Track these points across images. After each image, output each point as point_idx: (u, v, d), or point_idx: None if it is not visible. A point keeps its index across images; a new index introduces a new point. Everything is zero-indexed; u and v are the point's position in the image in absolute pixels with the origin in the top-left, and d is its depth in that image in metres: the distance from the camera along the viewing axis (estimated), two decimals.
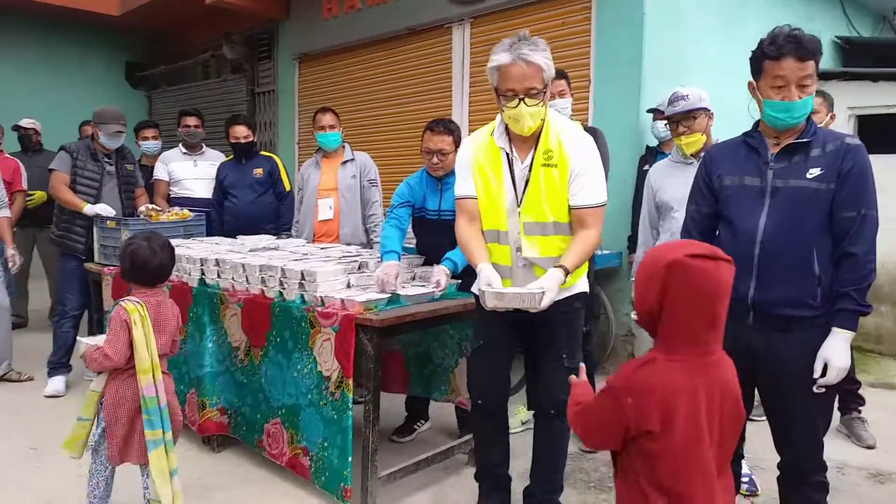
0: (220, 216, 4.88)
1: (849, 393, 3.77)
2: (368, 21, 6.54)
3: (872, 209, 2.11)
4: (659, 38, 4.70)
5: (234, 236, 4.41)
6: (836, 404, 3.68)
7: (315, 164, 4.48)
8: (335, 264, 3.23)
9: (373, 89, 6.67)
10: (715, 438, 1.55)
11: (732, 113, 3.60)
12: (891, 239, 3.93)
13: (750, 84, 2.23)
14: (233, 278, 3.35)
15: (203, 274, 3.53)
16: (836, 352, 2.07)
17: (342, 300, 2.88)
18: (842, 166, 2.11)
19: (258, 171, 4.86)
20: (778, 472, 2.30)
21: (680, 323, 1.53)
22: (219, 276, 3.44)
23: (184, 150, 5.22)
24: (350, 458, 2.79)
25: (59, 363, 4.45)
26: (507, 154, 2.50)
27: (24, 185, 5.57)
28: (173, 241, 4.07)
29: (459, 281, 3.25)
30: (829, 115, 3.79)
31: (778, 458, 2.28)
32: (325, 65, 7.25)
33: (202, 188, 5.09)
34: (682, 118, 3.04)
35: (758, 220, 2.18)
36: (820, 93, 3.81)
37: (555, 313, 2.43)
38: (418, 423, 3.82)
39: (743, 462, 2.99)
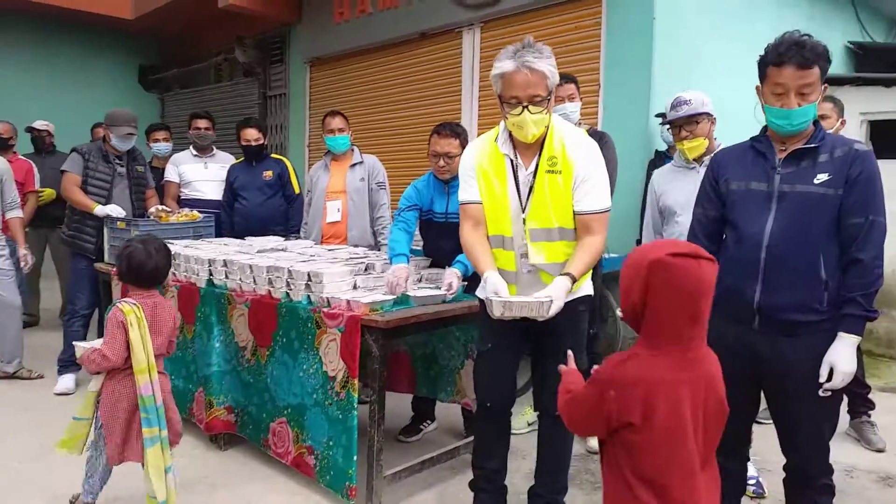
0: (230, 218, 4.92)
1: (858, 397, 3.76)
2: (379, 25, 6.57)
3: (880, 215, 2.11)
4: (669, 42, 4.69)
5: (243, 238, 4.45)
6: (845, 408, 3.68)
7: (324, 166, 4.51)
8: (342, 266, 3.25)
9: (383, 93, 6.69)
10: (700, 433, 1.59)
11: (743, 116, 3.59)
12: None
13: (757, 88, 2.23)
14: (240, 279, 3.38)
15: (211, 274, 3.56)
16: (842, 356, 2.06)
17: (348, 301, 2.90)
18: (850, 172, 2.10)
19: (268, 174, 4.89)
20: (784, 475, 2.29)
21: (663, 319, 1.57)
22: (226, 276, 3.47)
23: (194, 153, 5.27)
24: (355, 458, 2.80)
25: (70, 361, 4.48)
26: (512, 160, 2.50)
27: (37, 186, 5.64)
28: (182, 242, 4.16)
29: (466, 283, 3.26)
30: (840, 120, 3.76)
31: (784, 461, 2.27)
32: (336, 68, 7.29)
33: (212, 190, 5.13)
34: (684, 122, 3.03)
35: (764, 225, 2.17)
36: (830, 98, 3.80)
37: (560, 317, 2.42)
38: (424, 424, 3.83)
39: (750, 464, 2.98)
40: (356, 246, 4.18)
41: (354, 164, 4.43)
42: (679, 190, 3.06)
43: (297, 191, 4.97)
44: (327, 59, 7.37)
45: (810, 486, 2.19)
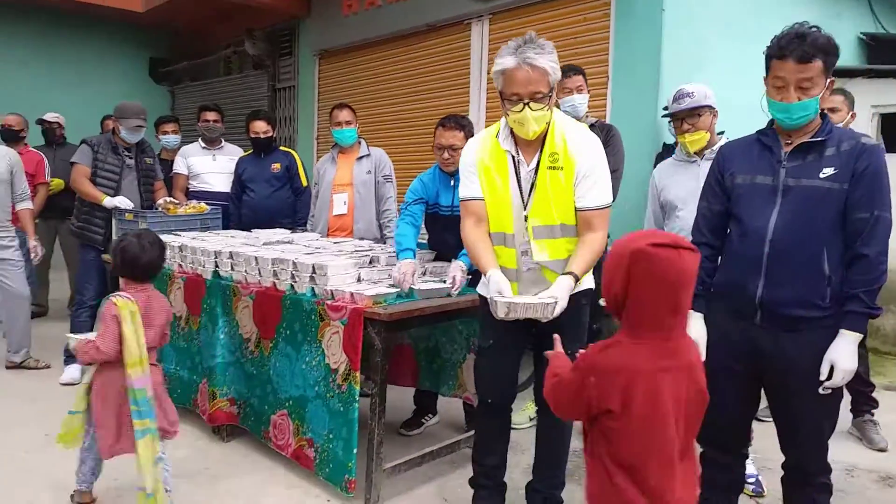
0: (238, 210, 4.94)
1: (862, 395, 3.72)
2: (388, 17, 6.55)
3: (886, 211, 2.08)
4: (678, 35, 4.65)
5: (251, 230, 4.46)
6: (848, 406, 3.65)
7: (331, 159, 4.51)
8: (346, 258, 3.25)
9: (392, 85, 6.68)
10: (682, 422, 1.61)
11: (754, 109, 3.56)
12: None
13: (764, 80, 2.21)
14: (246, 271, 3.38)
15: (217, 266, 3.57)
16: (843, 354, 2.04)
17: (352, 294, 2.90)
18: (856, 166, 2.07)
19: (276, 166, 4.90)
20: (783, 473, 2.27)
21: (644, 309, 1.59)
22: (232, 268, 3.48)
23: (203, 145, 5.29)
24: (355, 451, 2.80)
25: None
26: (514, 157, 2.47)
27: (47, 178, 5.67)
28: (189, 234, 4.17)
29: (470, 277, 3.25)
30: (850, 113, 3.72)
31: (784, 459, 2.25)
32: (344, 61, 7.29)
33: (220, 182, 5.15)
34: (686, 115, 3.00)
35: (768, 219, 2.15)
36: (841, 91, 3.76)
37: (562, 313, 2.41)
38: (426, 417, 3.84)
39: (750, 463, 2.96)
40: (362, 239, 4.18)
41: (361, 157, 4.42)
42: (680, 184, 3.03)
43: (304, 183, 4.98)
44: (336, 52, 7.36)
45: (809, 484, 2.17)
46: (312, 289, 3.08)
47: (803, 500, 2.19)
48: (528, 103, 2.31)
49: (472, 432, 3.27)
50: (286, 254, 3.33)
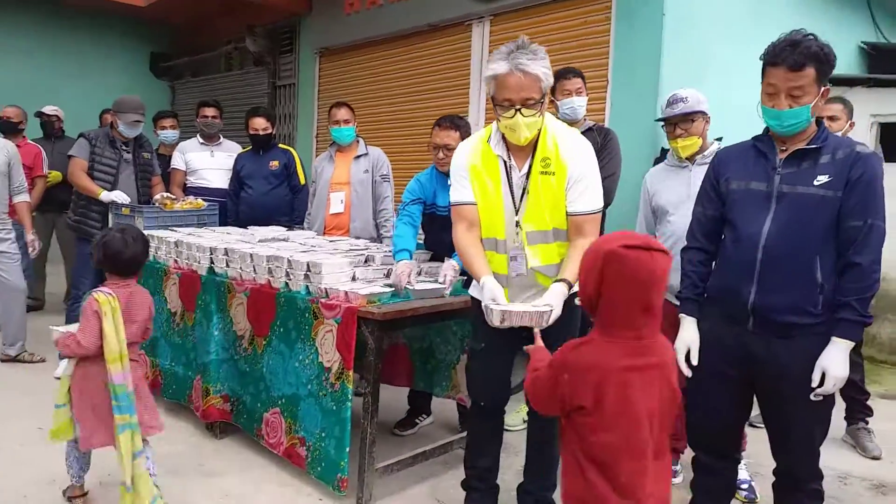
0: (236, 206, 4.93)
1: (857, 403, 3.72)
2: (389, 17, 6.55)
3: (879, 219, 2.08)
4: (678, 39, 4.65)
5: (248, 227, 4.46)
6: (842, 413, 3.65)
7: (329, 157, 4.51)
8: (341, 257, 3.25)
9: (392, 85, 6.68)
10: (656, 419, 1.65)
11: (753, 115, 3.56)
12: None
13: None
14: (241, 268, 3.38)
15: (212, 262, 3.57)
16: (834, 361, 2.04)
17: (346, 292, 2.90)
18: (850, 174, 2.08)
19: (274, 164, 4.90)
20: (774, 479, 2.27)
21: (616, 308, 1.64)
22: (227, 265, 3.48)
23: (201, 141, 5.28)
24: (347, 449, 2.80)
25: None
26: (505, 162, 2.46)
27: (45, 171, 5.66)
28: (185, 230, 4.17)
29: (465, 278, 3.24)
30: (849, 122, 3.72)
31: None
32: (345, 59, 7.28)
33: (218, 178, 5.14)
34: (680, 120, 3.00)
35: (762, 226, 2.16)
36: (840, 99, 3.77)
37: None
38: (420, 418, 3.83)
39: (743, 468, 2.97)
40: (358, 238, 4.18)
41: (359, 156, 4.42)
42: (671, 189, 3.04)
43: (302, 181, 4.97)
44: (337, 50, 7.36)
45: (800, 490, 2.18)
46: (307, 287, 3.08)
47: None
48: (519, 109, 2.29)
49: (465, 433, 3.28)
50: (281, 251, 3.33)
